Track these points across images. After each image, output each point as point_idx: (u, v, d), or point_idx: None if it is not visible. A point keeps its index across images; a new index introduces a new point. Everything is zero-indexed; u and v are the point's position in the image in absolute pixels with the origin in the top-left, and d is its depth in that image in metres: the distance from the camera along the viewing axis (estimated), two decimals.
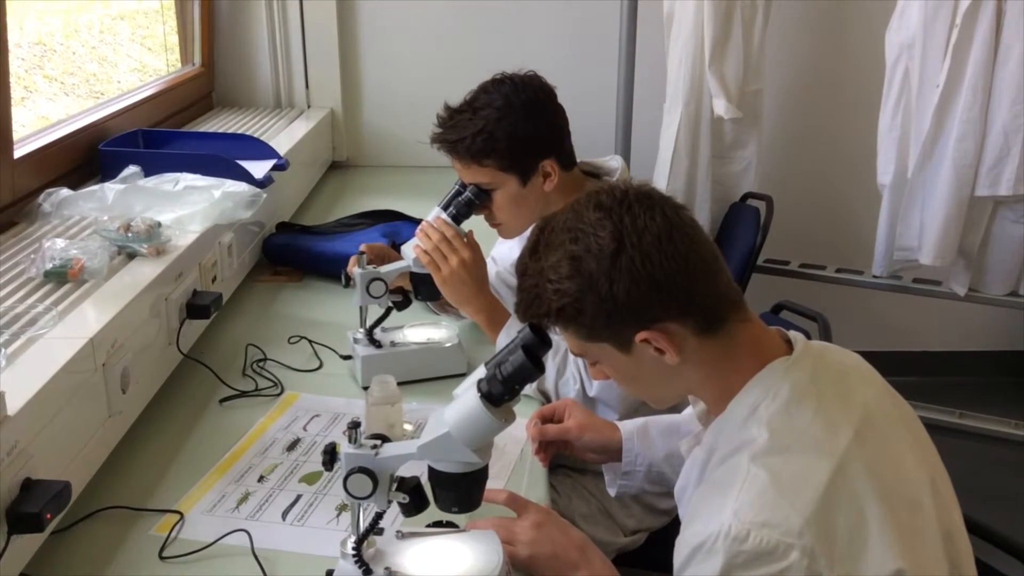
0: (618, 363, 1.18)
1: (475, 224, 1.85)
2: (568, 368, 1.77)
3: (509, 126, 1.75)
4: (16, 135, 1.97)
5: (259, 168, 2.30)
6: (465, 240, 1.80)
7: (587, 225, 1.13)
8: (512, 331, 1.72)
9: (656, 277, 1.10)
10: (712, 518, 1.06)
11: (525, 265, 1.19)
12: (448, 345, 1.86)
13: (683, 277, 1.12)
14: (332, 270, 2.19)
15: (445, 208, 1.83)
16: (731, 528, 1.03)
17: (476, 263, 1.80)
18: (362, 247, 1.87)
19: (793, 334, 1.22)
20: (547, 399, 1.78)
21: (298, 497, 1.47)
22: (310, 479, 1.52)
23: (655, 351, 1.14)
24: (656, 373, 1.18)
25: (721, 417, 1.18)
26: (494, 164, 1.77)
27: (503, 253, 2.13)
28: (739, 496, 1.05)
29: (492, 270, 2.11)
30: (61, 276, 1.59)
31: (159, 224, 1.79)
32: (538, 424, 1.57)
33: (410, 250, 1.84)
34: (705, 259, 1.15)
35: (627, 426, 1.56)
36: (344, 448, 1.17)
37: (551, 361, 1.76)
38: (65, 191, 1.95)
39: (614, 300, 1.11)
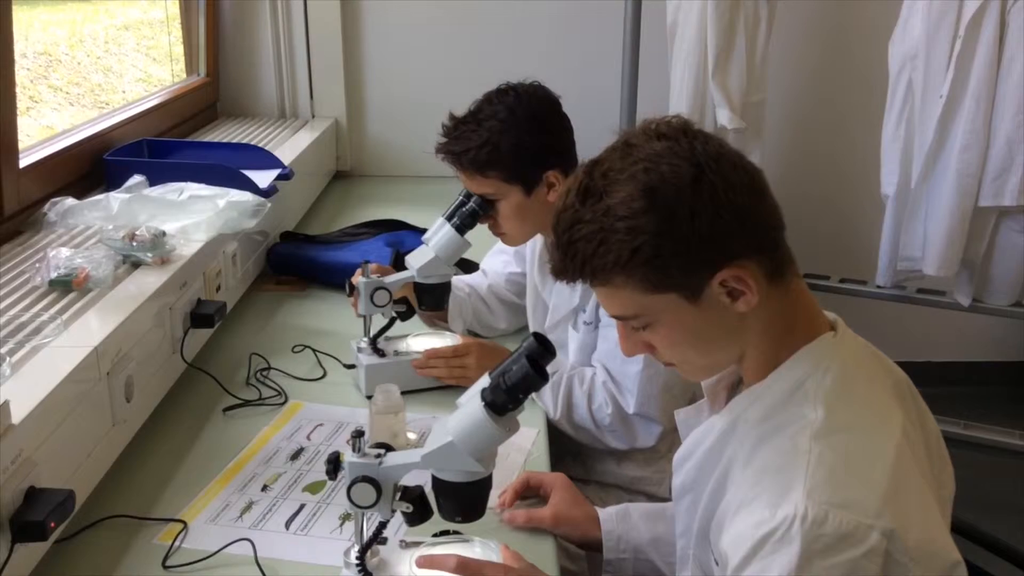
0: (682, 318, 1.06)
1: (479, 232, 1.86)
2: (598, 393, 1.74)
3: (513, 138, 1.74)
4: (21, 145, 1.97)
5: (263, 178, 2.31)
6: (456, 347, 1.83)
7: (656, 154, 1.01)
8: None
9: (738, 205, 1.01)
10: (779, 501, 0.96)
11: (576, 214, 1.04)
12: None
13: (759, 208, 1.04)
14: (336, 280, 2.19)
15: (449, 219, 1.83)
16: (807, 510, 0.94)
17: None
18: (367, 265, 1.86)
19: (829, 313, 1.16)
20: (576, 429, 1.76)
21: (302, 506, 1.47)
22: (314, 488, 1.52)
23: (727, 296, 1.04)
24: (719, 327, 1.07)
25: (758, 387, 1.10)
26: (498, 175, 1.76)
27: (495, 267, 2.13)
28: (809, 477, 0.96)
29: (484, 284, 2.11)
30: (66, 285, 1.60)
31: (164, 233, 1.79)
32: (509, 505, 1.46)
33: (414, 260, 1.84)
34: (770, 199, 1.07)
35: (606, 512, 1.46)
36: (348, 457, 1.17)
37: (579, 389, 1.74)
38: (70, 200, 1.96)
39: (697, 234, 1.00)
